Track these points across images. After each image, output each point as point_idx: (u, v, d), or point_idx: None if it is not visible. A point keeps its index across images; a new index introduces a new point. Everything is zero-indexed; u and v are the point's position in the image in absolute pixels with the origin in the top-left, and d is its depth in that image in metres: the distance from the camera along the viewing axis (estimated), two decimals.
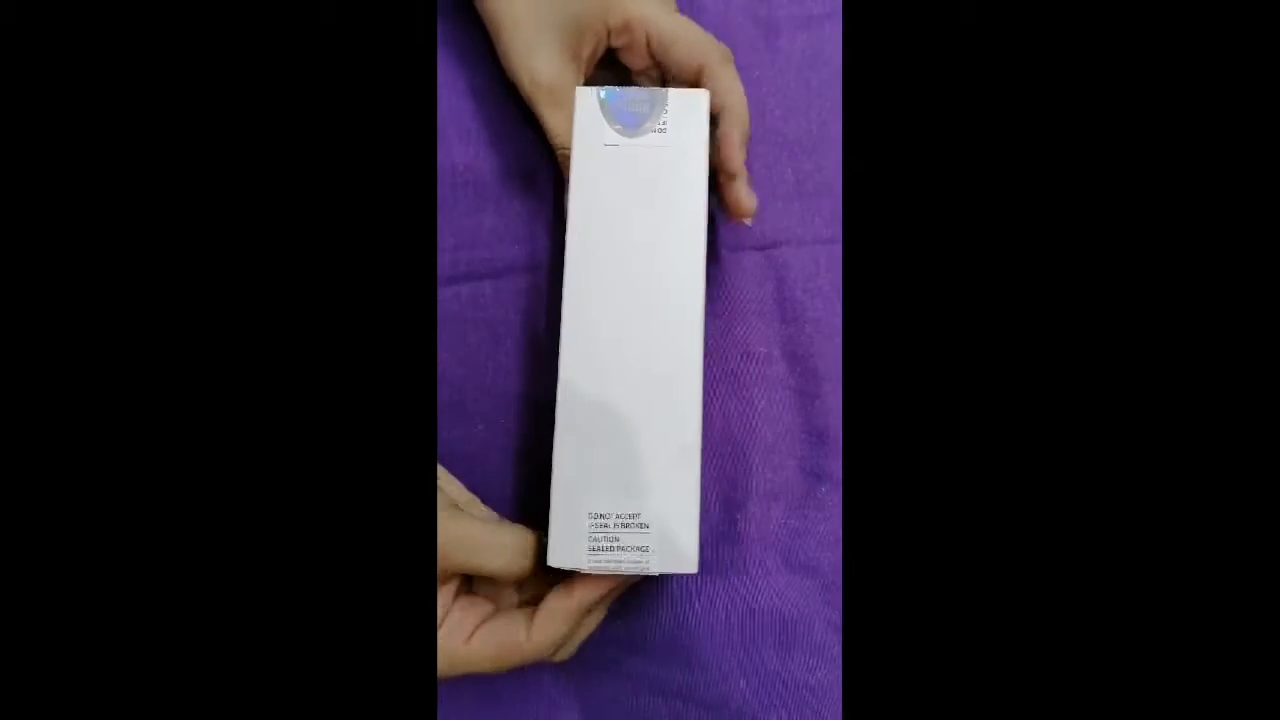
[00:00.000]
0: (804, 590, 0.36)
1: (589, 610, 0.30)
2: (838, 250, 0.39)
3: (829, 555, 0.37)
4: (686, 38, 0.32)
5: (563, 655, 0.31)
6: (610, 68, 0.36)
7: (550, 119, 0.32)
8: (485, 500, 0.35)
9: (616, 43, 0.33)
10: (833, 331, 0.38)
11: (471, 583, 0.32)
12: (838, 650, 0.36)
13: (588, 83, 0.33)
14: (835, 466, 0.37)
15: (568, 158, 0.32)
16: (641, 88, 0.32)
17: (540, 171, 0.38)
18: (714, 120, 0.32)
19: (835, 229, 0.39)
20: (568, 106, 0.32)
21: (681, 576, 0.36)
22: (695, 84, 0.32)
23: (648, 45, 0.33)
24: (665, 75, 0.34)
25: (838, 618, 0.36)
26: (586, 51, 0.33)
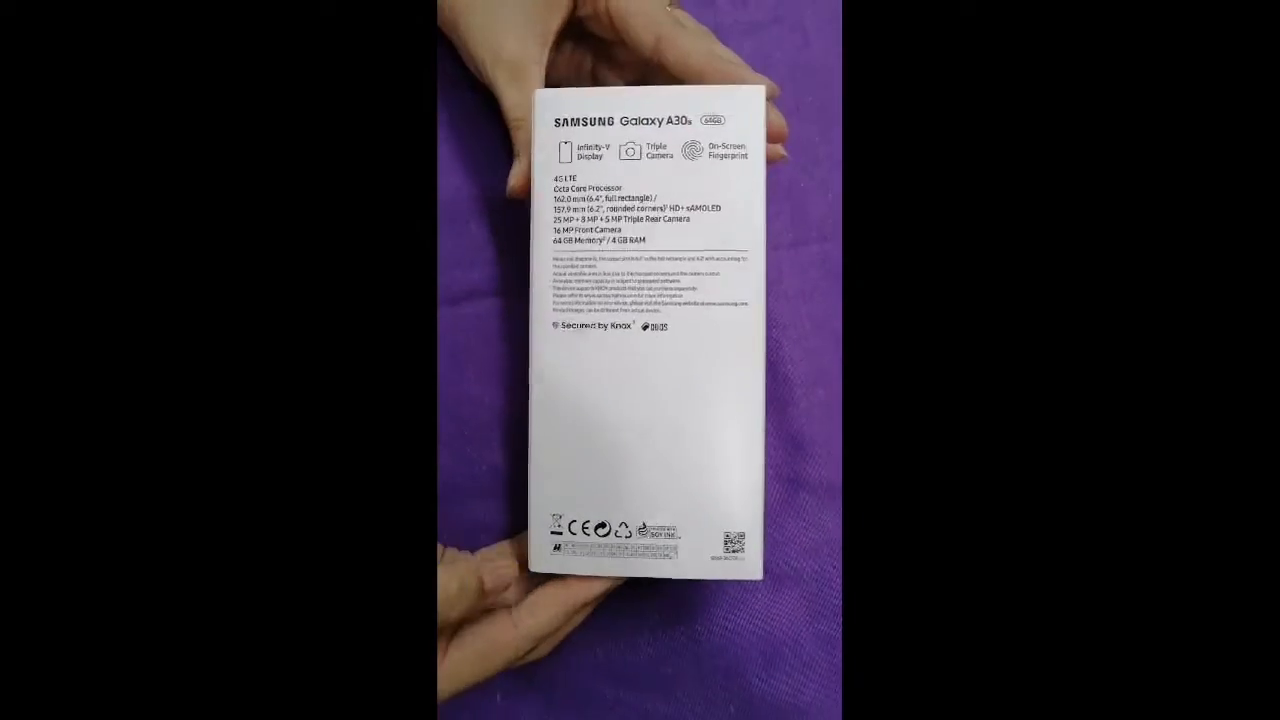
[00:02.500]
0: (788, 604, 0.35)
1: (582, 607, 0.30)
2: (802, 254, 0.38)
3: (811, 564, 0.36)
4: (640, 10, 0.31)
5: (543, 651, 0.30)
6: (581, 41, 0.35)
7: (509, 95, 0.32)
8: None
9: (582, 11, 0.32)
10: (801, 335, 0.37)
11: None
12: (826, 665, 0.34)
13: (551, 61, 0.33)
14: (813, 473, 0.36)
15: (520, 129, 0.31)
16: None
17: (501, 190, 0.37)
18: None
19: (797, 232, 0.38)
20: (529, 82, 0.31)
21: (659, 600, 0.35)
22: (655, 56, 0.31)
23: (609, 17, 0.32)
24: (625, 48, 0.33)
25: (826, 629, 0.35)
26: (555, 23, 0.32)
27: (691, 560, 0.29)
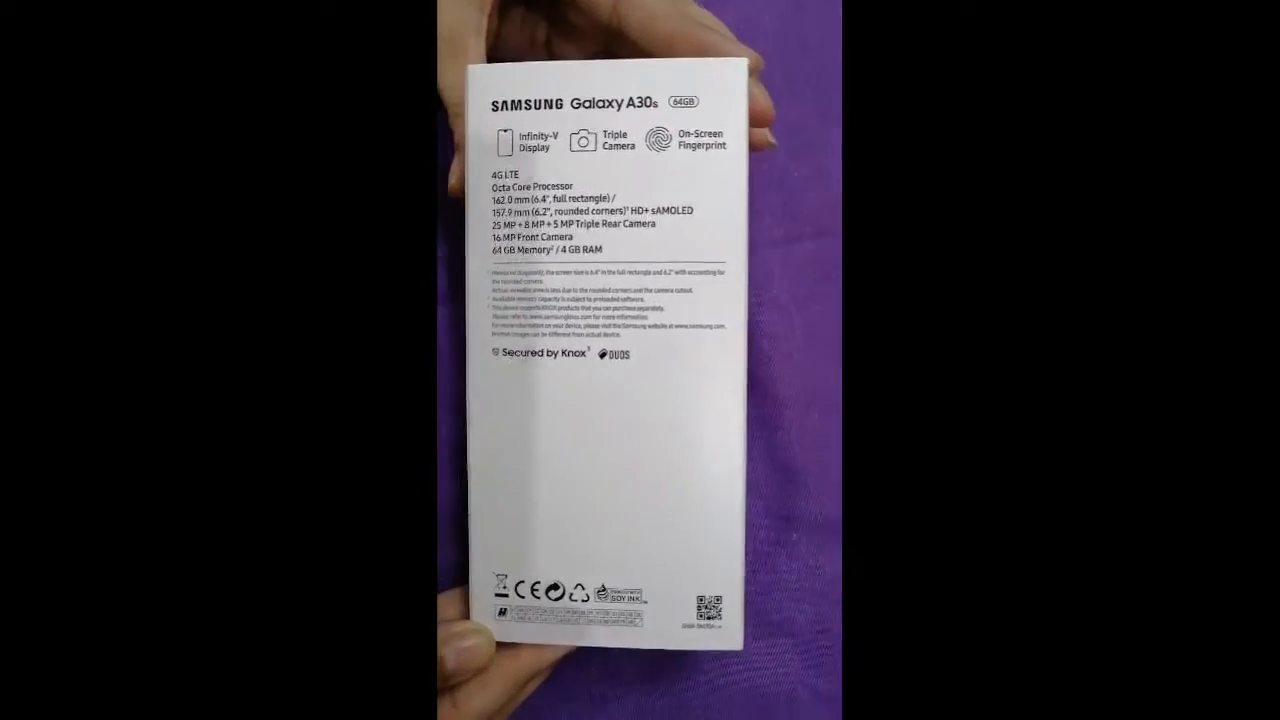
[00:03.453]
0: (780, 655, 0.31)
1: (532, 677, 0.26)
2: (795, 252, 0.33)
3: (806, 611, 0.31)
4: None
5: None
6: (532, 6, 0.30)
7: (444, 73, 0.27)
8: None
9: None
10: (793, 349, 0.32)
11: None
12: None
13: (496, 30, 0.28)
14: (808, 507, 0.32)
15: (459, 116, 0.26)
16: None
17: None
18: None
19: (789, 227, 0.33)
20: (465, 56, 0.27)
21: (640, 657, 0.30)
22: (614, 19, 0.26)
23: None
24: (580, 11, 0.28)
25: (824, 684, 0.31)
26: None
27: (660, 628, 0.25)
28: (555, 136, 0.24)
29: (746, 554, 0.31)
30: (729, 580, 0.25)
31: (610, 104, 0.24)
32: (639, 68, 0.24)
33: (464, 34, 0.27)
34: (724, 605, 0.25)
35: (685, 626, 0.25)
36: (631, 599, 0.25)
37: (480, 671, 0.25)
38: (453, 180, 0.27)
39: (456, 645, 0.24)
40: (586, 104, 0.24)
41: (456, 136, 0.27)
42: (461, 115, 0.26)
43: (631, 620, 0.25)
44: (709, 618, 0.25)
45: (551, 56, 0.31)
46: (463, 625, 0.25)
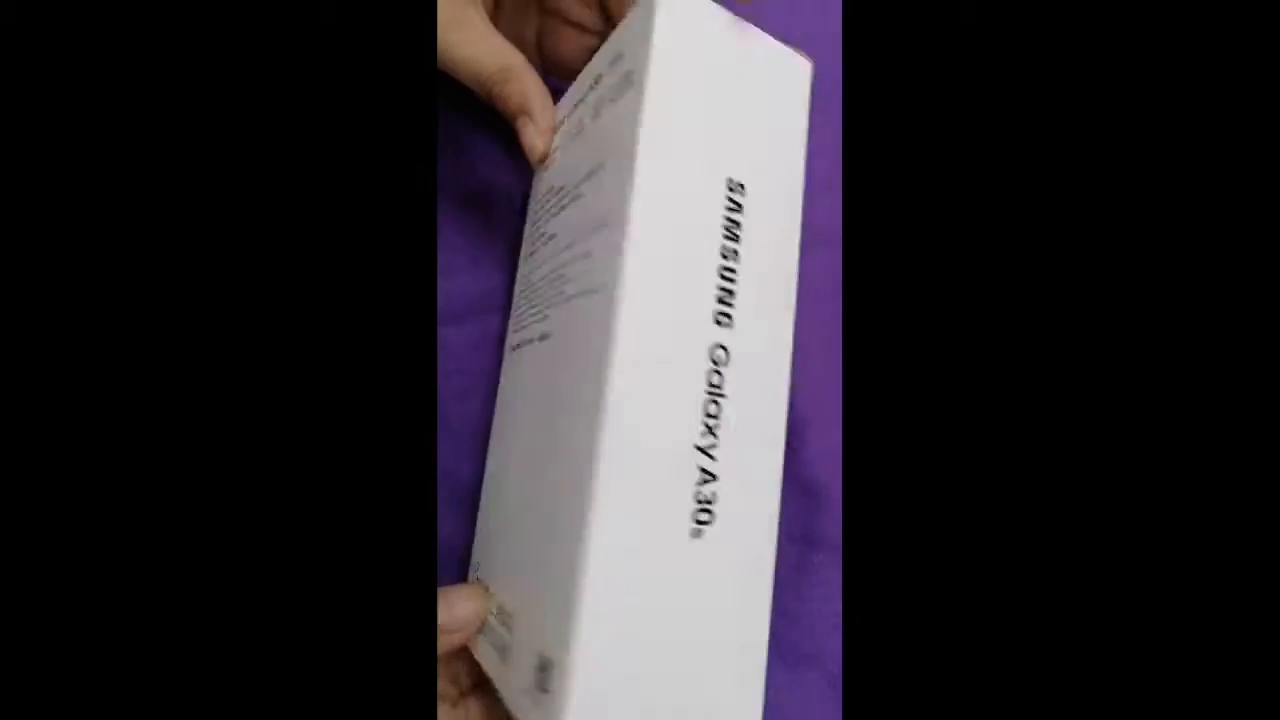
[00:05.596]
0: (808, 689, 0.29)
1: None
2: (806, 264, 0.32)
3: (834, 641, 0.30)
4: None
5: None
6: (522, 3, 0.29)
7: (459, 46, 0.25)
8: None
9: None
10: (812, 361, 0.31)
11: None
12: None
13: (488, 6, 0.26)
14: (831, 529, 0.30)
15: (508, 81, 0.24)
16: None
17: (494, 183, 0.31)
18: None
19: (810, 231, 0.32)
20: (474, 27, 0.24)
21: None
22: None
23: None
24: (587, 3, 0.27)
25: None
26: None
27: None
28: None
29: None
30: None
31: None
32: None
33: (460, 7, 0.25)
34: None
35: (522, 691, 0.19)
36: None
37: (464, 632, 0.23)
38: (540, 146, 0.25)
39: (446, 602, 0.23)
40: None
41: (513, 103, 0.25)
42: (511, 79, 0.24)
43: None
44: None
45: (542, 57, 0.29)
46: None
